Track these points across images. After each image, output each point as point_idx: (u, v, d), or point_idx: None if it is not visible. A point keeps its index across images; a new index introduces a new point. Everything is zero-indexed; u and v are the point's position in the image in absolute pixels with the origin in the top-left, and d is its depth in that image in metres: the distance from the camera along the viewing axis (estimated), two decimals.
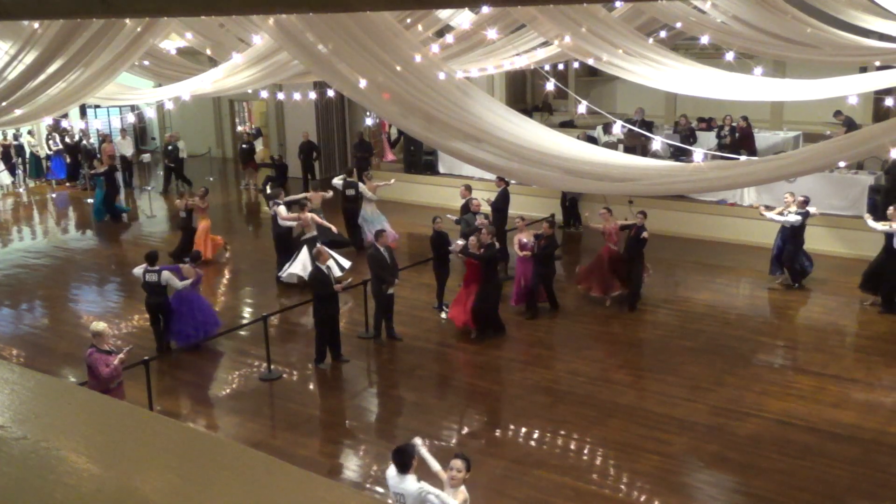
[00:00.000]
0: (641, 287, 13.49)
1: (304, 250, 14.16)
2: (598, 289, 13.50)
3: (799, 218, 13.69)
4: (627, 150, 17.81)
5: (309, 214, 14.47)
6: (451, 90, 8.95)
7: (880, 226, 13.00)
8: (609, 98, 22.80)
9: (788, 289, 14.13)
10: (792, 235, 13.88)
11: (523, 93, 25.39)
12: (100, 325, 9.03)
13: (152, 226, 20.71)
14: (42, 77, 10.04)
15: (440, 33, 12.71)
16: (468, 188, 15.15)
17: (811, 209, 13.90)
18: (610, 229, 13.46)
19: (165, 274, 11.81)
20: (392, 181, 17.68)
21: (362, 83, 8.63)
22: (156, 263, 11.87)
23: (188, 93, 12.30)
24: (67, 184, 25.05)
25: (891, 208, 12.85)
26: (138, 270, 11.95)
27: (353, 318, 13.04)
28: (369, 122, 21.88)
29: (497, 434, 9.74)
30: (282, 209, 14.98)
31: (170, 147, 23.38)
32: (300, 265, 14.21)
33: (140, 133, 28.32)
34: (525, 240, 13.28)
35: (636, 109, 19.51)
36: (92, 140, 25.39)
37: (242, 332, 12.51)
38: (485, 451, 9.31)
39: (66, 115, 18.93)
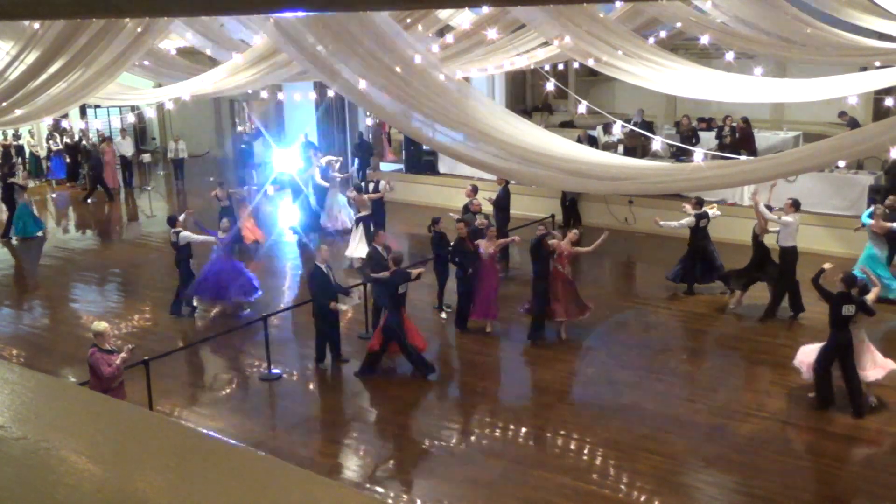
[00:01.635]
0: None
1: (361, 229, 15.39)
2: (566, 313, 12.18)
3: (691, 220, 13.31)
4: (627, 150, 17.87)
5: (365, 196, 15.70)
6: (450, 91, 8.95)
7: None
8: (609, 98, 22.78)
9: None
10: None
11: (523, 93, 25.37)
12: (101, 325, 9.03)
13: (152, 226, 20.70)
14: (43, 77, 10.04)
15: (440, 33, 12.72)
16: (474, 189, 14.92)
17: (711, 211, 13.57)
18: (566, 251, 12.10)
19: (183, 234, 13.09)
20: (386, 184, 16.72)
21: (362, 84, 8.63)
22: (176, 225, 13.19)
23: (188, 93, 12.31)
24: (67, 184, 25.05)
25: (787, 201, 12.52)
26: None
27: (353, 318, 13.04)
28: (369, 121, 21.88)
29: (497, 434, 9.74)
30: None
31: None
32: (362, 245, 15.13)
33: (140, 133, 28.32)
34: (491, 250, 12.53)
35: (637, 110, 19.51)
36: (92, 140, 25.40)
37: (242, 333, 12.50)
38: (485, 451, 9.32)
39: (66, 115, 18.94)
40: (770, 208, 12.68)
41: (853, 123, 16.44)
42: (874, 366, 9.86)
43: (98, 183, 22.72)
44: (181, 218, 13.62)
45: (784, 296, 12.52)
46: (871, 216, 13.08)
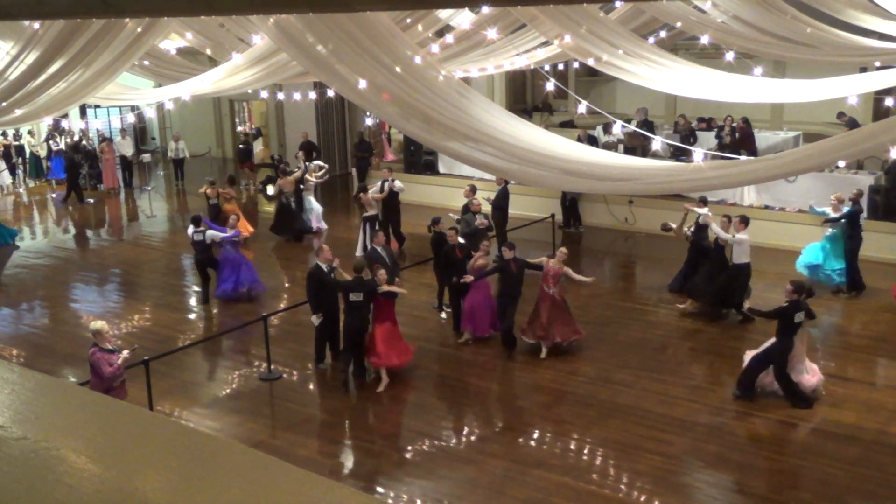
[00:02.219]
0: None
1: (367, 228, 15.71)
2: (544, 333, 11.57)
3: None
4: (627, 150, 17.85)
5: (368, 195, 16.22)
6: (449, 91, 8.95)
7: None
8: (609, 98, 22.78)
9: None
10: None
11: (523, 93, 25.38)
12: (98, 324, 9.04)
13: (152, 226, 20.71)
14: (43, 77, 10.05)
15: (440, 33, 12.71)
16: (473, 189, 14.97)
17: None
18: (553, 270, 11.51)
19: (210, 232, 13.96)
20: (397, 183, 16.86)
21: (362, 84, 8.63)
22: (200, 225, 13.92)
23: (188, 93, 12.31)
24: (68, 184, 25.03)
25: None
26: (190, 230, 14.02)
27: None
28: (369, 122, 21.87)
29: (497, 434, 9.74)
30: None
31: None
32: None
33: (140, 133, 28.33)
34: (481, 262, 12.09)
35: (638, 110, 19.50)
36: (92, 140, 25.40)
37: (242, 333, 12.51)
38: (485, 451, 9.32)
39: (66, 115, 18.96)
40: (771, 208, 12.71)
41: (852, 124, 16.43)
42: (814, 373, 10.19)
43: (71, 186, 22.69)
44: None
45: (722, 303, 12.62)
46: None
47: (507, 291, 11.76)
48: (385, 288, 10.77)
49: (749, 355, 10.35)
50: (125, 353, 8.98)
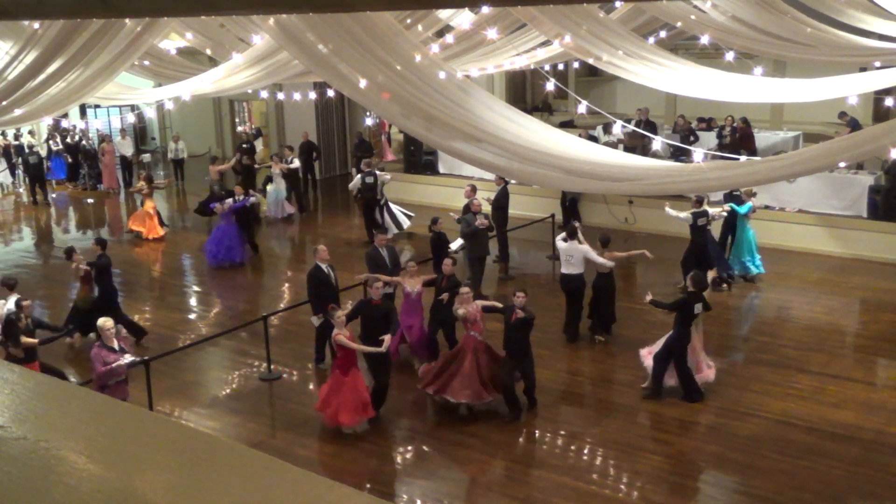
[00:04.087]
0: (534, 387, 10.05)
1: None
2: (462, 392, 9.68)
3: (689, 216, 13.42)
4: (627, 150, 17.81)
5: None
6: (451, 89, 8.94)
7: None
8: (609, 98, 22.80)
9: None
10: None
11: (523, 93, 25.38)
12: (100, 321, 9.09)
13: None
14: (42, 77, 10.04)
15: (440, 33, 12.70)
16: (473, 189, 14.96)
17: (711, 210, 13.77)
18: (472, 314, 9.84)
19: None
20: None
21: (362, 83, 8.63)
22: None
23: (188, 93, 12.30)
24: (68, 184, 25.04)
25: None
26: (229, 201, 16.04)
27: None
28: (369, 122, 21.88)
29: (497, 434, 9.73)
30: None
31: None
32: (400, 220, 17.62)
33: (140, 133, 28.32)
34: (409, 288, 11.08)
35: (639, 110, 19.49)
36: (92, 140, 25.39)
37: (242, 332, 12.50)
38: (485, 451, 9.32)
39: (66, 115, 18.94)
40: (771, 208, 12.72)
41: (854, 123, 16.43)
42: (708, 367, 10.34)
43: (32, 186, 22.95)
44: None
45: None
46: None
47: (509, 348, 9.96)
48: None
49: (644, 353, 10.49)
50: (125, 359, 8.95)
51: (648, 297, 10.63)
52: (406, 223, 17.81)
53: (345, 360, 9.49)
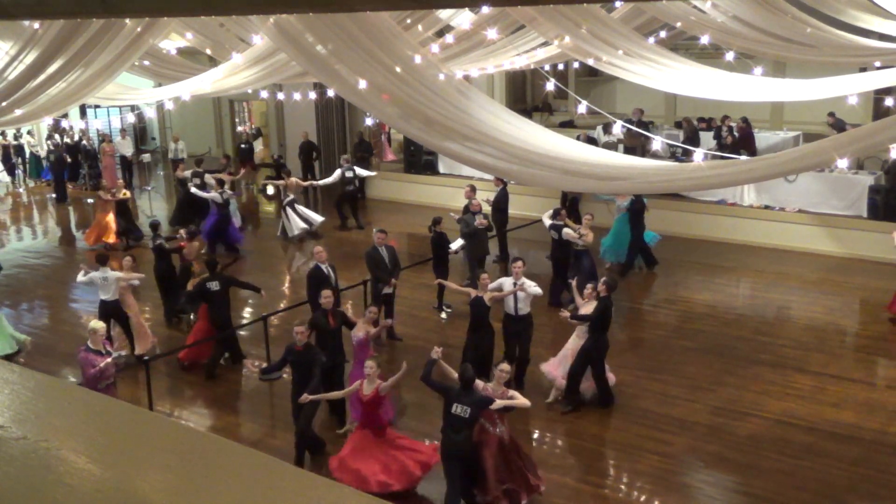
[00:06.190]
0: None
1: (290, 211, 18.16)
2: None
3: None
4: (627, 150, 17.84)
5: (293, 179, 18.74)
6: (449, 92, 8.94)
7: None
8: (609, 98, 22.79)
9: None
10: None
11: (523, 93, 25.38)
12: (92, 324, 9.07)
13: None
14: (42, 77, 10.03)
15: (440, 33, 12.70)
16: (473, 189, 14.98)
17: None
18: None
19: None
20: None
21: (361, 84, 8.62)
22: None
23: (188, 93, 12.29)
24: (68, 184, 25.02)
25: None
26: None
27: None
28: (369, 121, 21.84)
29: None
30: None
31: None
32: (294, 224, 18.05)
33: (140, 133, 28.33)
34: (361, 335, 9.82)
35: (634, 110, 19.50)
36: (92, 140, 25.39)
37: (242, 332, 12.50)
38: None
39: (66, 115, 18.95)
40: (771, 208, 12.71)
41: (840, 125, 16.43)
42: (613, 373, 10.38)
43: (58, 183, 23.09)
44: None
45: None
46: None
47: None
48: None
49: (548, 367, 10.32)
50: (110, 358, 8.94)
51: (564, 314, 10.22)
52: (317, 221, 18.61)
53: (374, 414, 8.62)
